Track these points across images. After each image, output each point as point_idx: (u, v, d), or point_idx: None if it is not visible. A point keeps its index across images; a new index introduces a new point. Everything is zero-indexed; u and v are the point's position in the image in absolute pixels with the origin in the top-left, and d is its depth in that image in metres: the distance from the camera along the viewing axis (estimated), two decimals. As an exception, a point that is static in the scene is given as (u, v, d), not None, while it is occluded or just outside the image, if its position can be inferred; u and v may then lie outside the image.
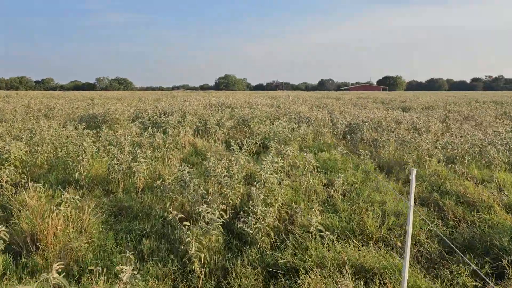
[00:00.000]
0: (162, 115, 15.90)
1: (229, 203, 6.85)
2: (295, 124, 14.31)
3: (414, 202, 7.34)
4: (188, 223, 5.14)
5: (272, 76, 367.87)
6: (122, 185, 8.19)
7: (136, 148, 9.81)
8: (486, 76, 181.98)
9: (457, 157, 10.09)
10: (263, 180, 6.45)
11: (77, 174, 8.08)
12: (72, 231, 5.67)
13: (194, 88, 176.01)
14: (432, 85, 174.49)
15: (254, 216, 5.74)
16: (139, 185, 8.16)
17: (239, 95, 53.33)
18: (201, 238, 5.12)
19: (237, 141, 10.78)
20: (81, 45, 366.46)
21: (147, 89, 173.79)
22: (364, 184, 8.18)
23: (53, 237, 5.43)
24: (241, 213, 6.46)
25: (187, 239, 4.90)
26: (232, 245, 5.73)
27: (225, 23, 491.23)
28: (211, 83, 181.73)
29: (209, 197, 6.34)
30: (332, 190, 7.37)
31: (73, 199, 5.92)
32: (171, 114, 15.85)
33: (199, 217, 5.65)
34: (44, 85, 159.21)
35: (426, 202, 7.36)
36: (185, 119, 14.15)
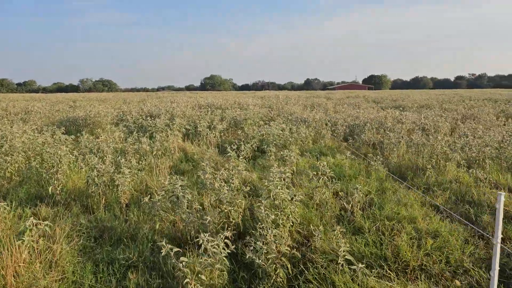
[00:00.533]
0: (148, 117, 14.73)
1: (230, 222, 5.79)
2: (293, 125, 13.29)
3: (437, 208, 6.36)
4: (185, 259, 4.04)
5: (257, 76, 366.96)
6: (103, 200, 7.07)
7: (119, 157, 8.67)
8: (469, 74, 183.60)
9: (476, 161, 9.17)
10: (273, 196, 5.39)
11: (50, 188, 6.92)
12: (40, 267, 4.55)
13: (180, 89, 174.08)
14: (417, 83, 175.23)
15: (263, 240, 4.70)
16: (124, 200, 7.05)
17: (227, 95, 52.19)
18: (202, 276, 4.04)
19: (232, 146, 9.72)
20: (64, 46, 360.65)
21: (132, 90, 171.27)
22: (382, 195, 7.18)
23: (13, 276, 4.30)
24: (247, 236, 5.42)
25: (185, 280, 3.83)
26: (238, 278, 4.67)
27: (210, 23, 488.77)
28: (197, 83, 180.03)
29: (208, 217, 5.26)
30: (349, 205, 6.33)
31: (41, 224, 4.78)
32: (158, 116, 14.71)
33: (195, 240, 4.63)
34: (26, 87, 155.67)
35: (454, 215, 6.38)
36: (174, 122, 13.01)
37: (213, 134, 12.42)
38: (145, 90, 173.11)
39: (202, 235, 4.29)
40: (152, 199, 5.93)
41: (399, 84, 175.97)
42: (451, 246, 4.93)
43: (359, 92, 57.45)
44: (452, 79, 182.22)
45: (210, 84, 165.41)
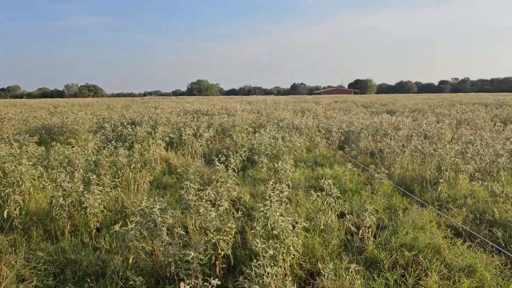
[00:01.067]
0: (130, 125, 13.64)
1: (219, 254, 4.79)
2: (285, 133, 12.34)
3: (459, 236, 5.45)
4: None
5: (244, 81, 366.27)
6: (69, 225, 6.00)
7: (91, 172, 7.60)
8: (452, 78, 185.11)
9: (489, 172, 8.30)
10: (271, 224, 4.40)
11: (5, 212, 5.83)
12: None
13: (167, 94, 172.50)
14: (401, 87, 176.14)
15: (260, 281, 3.73)
16: (94, 224, 5.99)
17: (213, 100, 51.15)
18: None
19: (220, 157, 8.72)
20: (49, 50, 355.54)
21: (118, 95, 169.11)
22: (392, 215, 6.23)
23: None
24: (238, 273, 4.43)
25: None
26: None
27: (196, 28, 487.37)
28: (184, 88, 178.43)
29: (191, 253, 4.23)
30: (359, 230, 5.36)
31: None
32: (140, 124, 13.61)
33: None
34: (10, 93, 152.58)
35: (477, 239, 5.47)
36: (156, 130, 11.93)
37: (199, 142, 11.40)
38: (132, 95, 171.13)
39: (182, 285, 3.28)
40: (124, 228, 4.89)
41: (384, 89, 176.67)
42: (490, 286, 4.00)
43: (346, 97, 56.89)
44: (436, 83, 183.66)
45: (197, 89, 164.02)
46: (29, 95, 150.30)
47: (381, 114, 23.15)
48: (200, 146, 11.34)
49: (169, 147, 11.85)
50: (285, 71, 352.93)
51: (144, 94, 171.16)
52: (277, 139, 11.04)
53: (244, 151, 10.38)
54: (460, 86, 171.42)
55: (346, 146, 11.89)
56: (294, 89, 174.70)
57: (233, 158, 8.62)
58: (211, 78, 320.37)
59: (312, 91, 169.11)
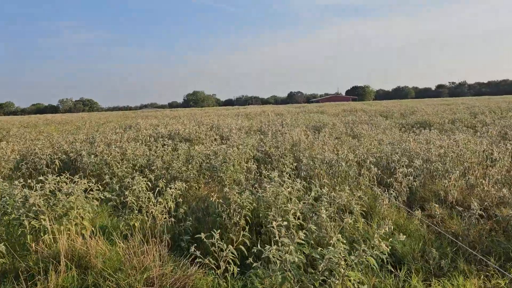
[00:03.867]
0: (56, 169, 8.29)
1: None
2: (315, 180, 6.95)
3: None
4: None
5: (241, 91, 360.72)
6: None
7: None
8: (449, 82, 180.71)
9: None
10: None
11: None
12: None
13: (163, 106, 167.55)
14: (399, 93, 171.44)
15: None
16: None
17: (208, 112, 45.82)
18: None
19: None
20: (44, 66, 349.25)
21: (114, 109, 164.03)
22: None
23: None
24: None
25: None
26: None
27: (192, 39, 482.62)
28: (180, 100, 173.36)
29: None
30: None
31: None
32: (77, 166, 8.18)
33: None
34: (3, 109, 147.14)
35: None
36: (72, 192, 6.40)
37: (162, 204, 6.01)
38: (128, 108, 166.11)
39: None
40: None
41: (382, 95, 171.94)
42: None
43: (351, 105, 51.38)
44: (433, 88, 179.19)
45: (193, 100, 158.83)
46: (23, 111, 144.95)
47: (417, 129, 17.91)
48: (164, 216, 5.94)
49: (109, 212, 6.46)
50: (281, 80, 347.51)
51: (141, 107, 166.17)
52: (304, 200, 5.66)
53: (244, 216, 5.11)
54: (458, 90, 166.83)
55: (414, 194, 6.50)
56: (291, 98, 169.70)
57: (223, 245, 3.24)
58: (208, 89, 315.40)
59: (309, 99, 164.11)
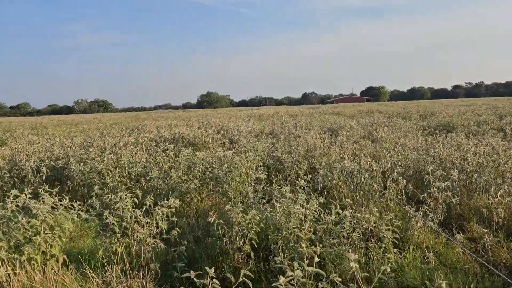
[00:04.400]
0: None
1: None
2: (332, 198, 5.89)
3: None
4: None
5: (255, 91, 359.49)
6: None
7: None
8: (466, 83, 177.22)
9: None
10: None
11: None
12: None
13: (177, 107, 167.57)
14: (415, 94, 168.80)
15: None
16: None
17: (220, 114, 44.96)
18: None
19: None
20: (60, 67, 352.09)
21: (128, 110, 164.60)
22: None
23: None
24: None
25: None
26: None
27: (207, 40, 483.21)
28: (194, 101, 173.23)
29: None
30: None
31: None
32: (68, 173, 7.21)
33: None
34: (20, 110, 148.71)
35: None
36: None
37: (151, 224, 5.01)
38: (142, 109, 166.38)
39: None
40: None
41: (397, 96, 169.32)
42: None
43: (366, 105, 49.95)
44: (449, 88, 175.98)
45: (207, 101, 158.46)
46: (39, 112, 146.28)
47: (435, 130, 16.66)
48: (153, 234, 4.94)
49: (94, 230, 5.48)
50: (296, 80, 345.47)
51: (155, 108, 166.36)
52: (323, 221, 4.60)
53: (250, 240, 4.12)
54: (475, 90, 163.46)
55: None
56: (305, 99, 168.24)
57: None
58: (222, 90, 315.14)
59: (323, 100, 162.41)
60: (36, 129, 28.76)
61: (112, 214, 4.89)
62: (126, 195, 5.18)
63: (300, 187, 5.72)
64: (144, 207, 5.15)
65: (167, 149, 9.27)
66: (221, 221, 5.06)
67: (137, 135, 12.24)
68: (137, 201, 5.29)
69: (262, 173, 7.61)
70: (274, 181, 7.78)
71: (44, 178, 7.96)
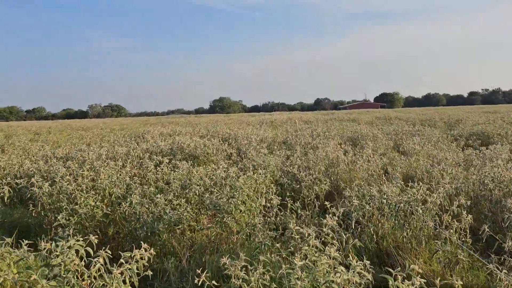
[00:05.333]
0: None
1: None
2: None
3: None
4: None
5: (267, 97, 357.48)
6: None
7: None
8: (482, 89, 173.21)
9: None
10: None
11: None
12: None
13: (189, 112, 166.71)
14: (430, 100, 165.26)
15: None
16: None
17: (233, 118, 43.48)
18: None
19: None
20: (74, 72, 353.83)
21: (141, 114, 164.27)
22: None
23: None
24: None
25: None
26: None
27: (219, 44, 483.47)
28: (206, 106, 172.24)
29: None
30: None
31: None
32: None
33: None
34: (35, 114, 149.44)
35: None
36: None
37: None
38: (155, 114, 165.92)
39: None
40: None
41: (411, 102, 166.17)
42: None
43: (385, 112, 47.85)
44: (465, 95, 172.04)
45: (219, 106, 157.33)
46: (54, 116, 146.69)
47: (467, 140, 14.84)
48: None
49: None
50: (308, 86, 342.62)
51: (167, 113, 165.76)
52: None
53: None
54: (492, 97, 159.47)
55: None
56: (318, 104, 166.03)
57: None
58: (234, 96, 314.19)
59: (336, 105, 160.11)
60: (39, 134, 27.52)
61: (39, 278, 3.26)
62: (77, 240, 3.55)
63: (329, 228, 4.01)
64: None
65: (160, 163, 7.64)
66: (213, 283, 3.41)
67: (134, 144, 10.65)
68: (88, 253, 3.64)
69: (274, 197, 5.95)
70: (288, 205, 6.11)
71: (6, 199, 6.40)
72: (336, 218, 4.29)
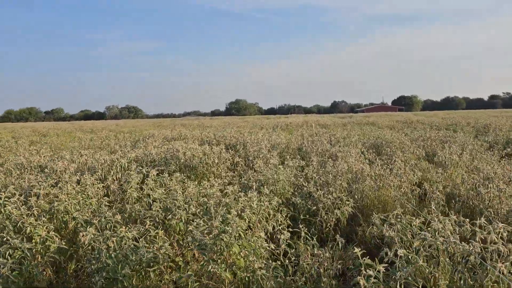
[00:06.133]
0: None
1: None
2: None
3: None
4: None
5: (283, 99, 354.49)
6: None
7: None
8: (504, 93, 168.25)
9: None
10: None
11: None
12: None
13: (205, 114, 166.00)
14: (449, 103, 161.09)
15: None
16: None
17: (248, 121, 42.07)
18: None
19: None
20: (93, 74, 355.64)
21: (158, 116, 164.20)
22: None
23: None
24: None
25: None
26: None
27: (237, 48, 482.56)
28: (222, 108, 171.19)
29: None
30: None
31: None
32: None
33: None
34: (53, 115, 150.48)
35: None
36: None
37: None
38: (172, 115, 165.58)
39: None
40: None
41: (430, 105, 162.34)
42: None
43: (406, 115, 45.67)
44: (486, 98, 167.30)
45: (235, 108, 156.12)
46: (72, 117, 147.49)
47: (505, 148, 13.06)
48: None
49: None
50: (325, 88, 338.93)
51: (184, 115, 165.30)
52: None
53: None
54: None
55: None
56: (335, 107, 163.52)
57: None
58: (251, 98, 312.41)
59: (353, 108, 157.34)
60: (46, 136, 26.50)
61: None
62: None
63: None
64: None
65: (146, 177, 6.18)
66: None
67: (124, 151, 9.23)
68: None
69: (283, 224, 4.44)
70: (302, 233, 4.62)
71: None
72: (373, 280, 2.76)
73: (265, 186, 5.81)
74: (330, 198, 5.86)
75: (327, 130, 20.53)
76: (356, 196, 6.27)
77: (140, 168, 6.58)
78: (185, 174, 7.14)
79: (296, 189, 6.88)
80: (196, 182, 6.43)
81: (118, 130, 29.64)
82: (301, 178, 6.60)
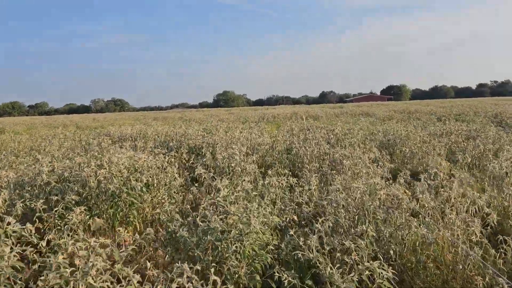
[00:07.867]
0: None
1: None
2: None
3: None
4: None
5: (272, 91, 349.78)
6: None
7: None
8: (491, 81, 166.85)
9: None
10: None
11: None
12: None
13: (193, 106, 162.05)
14: (437, 92, 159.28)
15: None
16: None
17: (232, 114, 38.97)
18: None
19: None
20: (77, 67, 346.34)
21: (145, 109, 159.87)
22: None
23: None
24: None
25: None
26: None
27: (225, 40, 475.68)
28: (210, 100, 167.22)
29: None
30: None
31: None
32: None
33: None
34: (38, 109, 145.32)
35: None
36: None
37: None
38: (159, 108, 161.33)
39: None
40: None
41: (418, 94, 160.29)
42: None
43: (401, 105, 42.78)
44: (474, 87, 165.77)
45: (223, 100, 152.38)
46: (56, 111, 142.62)
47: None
48: None
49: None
50: (313, 79, 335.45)
51: (171, 107, 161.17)
52: None
53: None
54: (501, 89, 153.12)
55: None
56: (323, 97, 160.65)
57: None
58: (239, 90, 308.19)
59: (342, 98, 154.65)
60: (3, 132, 23.16)
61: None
62: None
63: None
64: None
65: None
66: None
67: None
68: None
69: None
70: None
71: None
72: None
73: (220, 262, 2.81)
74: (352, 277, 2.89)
75: (319, 123, 17.55)
76: (397, 259, 3.32)
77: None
78: (95, 211, 4.12)
79: (281, 234, 3.92)
80: (110, 226, 3.41)
81: (86, 125, 26.38)
82: (293, 232, 3.54)
